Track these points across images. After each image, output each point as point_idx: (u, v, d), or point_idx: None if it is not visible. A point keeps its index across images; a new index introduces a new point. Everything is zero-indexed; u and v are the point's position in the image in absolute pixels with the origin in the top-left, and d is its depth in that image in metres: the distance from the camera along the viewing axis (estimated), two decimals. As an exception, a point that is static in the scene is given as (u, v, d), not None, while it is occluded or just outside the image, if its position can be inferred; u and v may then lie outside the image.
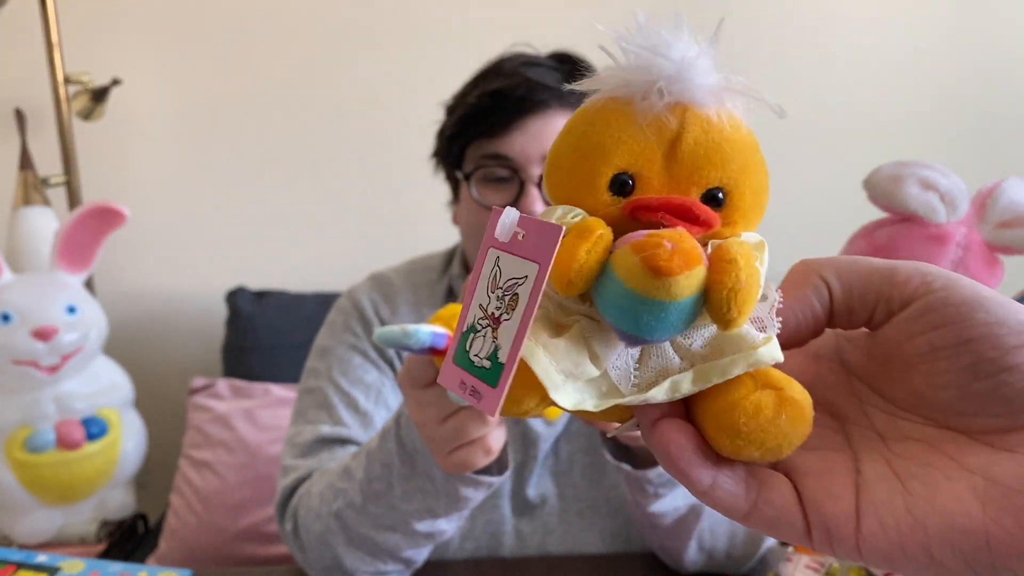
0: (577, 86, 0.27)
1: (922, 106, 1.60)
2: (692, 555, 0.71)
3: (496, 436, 0.54)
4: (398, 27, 1.52)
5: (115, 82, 1.41)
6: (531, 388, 0.23)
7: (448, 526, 0.64)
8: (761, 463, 0.23)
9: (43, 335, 1.14)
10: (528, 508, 0.79)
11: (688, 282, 0.21)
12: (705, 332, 0.24)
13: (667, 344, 0.24)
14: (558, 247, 0.22)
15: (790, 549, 0.67)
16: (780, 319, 0.23)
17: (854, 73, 1.58)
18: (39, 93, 1.44)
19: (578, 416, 0.26)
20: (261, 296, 1.46)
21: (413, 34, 1.52)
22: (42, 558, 0.72)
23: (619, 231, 0.23)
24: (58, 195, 1.45)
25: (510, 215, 0.24)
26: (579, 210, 0.25)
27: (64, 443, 1.18)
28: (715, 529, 0.69)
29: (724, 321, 0.22)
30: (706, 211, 0.24)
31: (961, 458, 0.21)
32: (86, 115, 1.44)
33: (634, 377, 0.23)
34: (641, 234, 0.22)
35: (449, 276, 0.86)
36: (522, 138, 0.74)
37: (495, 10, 1.52)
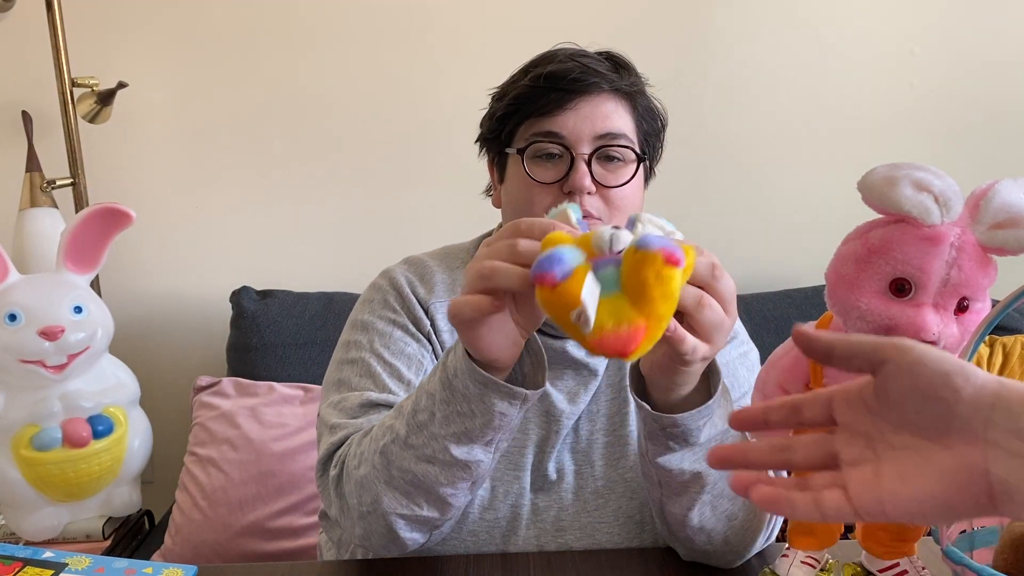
0: None
1: (916, 108, 1.60)
2: (693, 528, 0.71)
3: (497, 333, 0.58)
4: (402, 33, 1.53)
5: (121, 85, 1.43)
6: None
7: (484, 456, 0.65)
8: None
9: (50, 334, 1.15)
10: (546, 483, 0.80)
11: None
12: None
13: None
14: None
15: (786, 546, 0.68)
16: None
17: (849, 76, 1.58)
18: (46, 96, 1.46)
19: None
20: (265, 296, 1.47)
21: (417, 41, 1.53)
22: (48, 554, 0.72)
23: None
24: (65, 196, 1.47)
25: None
26: None
27: (71, 441, 1.20)
28: (716, 505, 0.70)
29: None
30: None
31: (928, 456, 0.37)
32: (92, 118, 1.46)
33: None
34: None
35: None
36: (574, 117, 0.78)
37: (497, 18, 1.52)
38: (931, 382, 0.36)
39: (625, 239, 0.45)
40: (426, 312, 0.84)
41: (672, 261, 0.42)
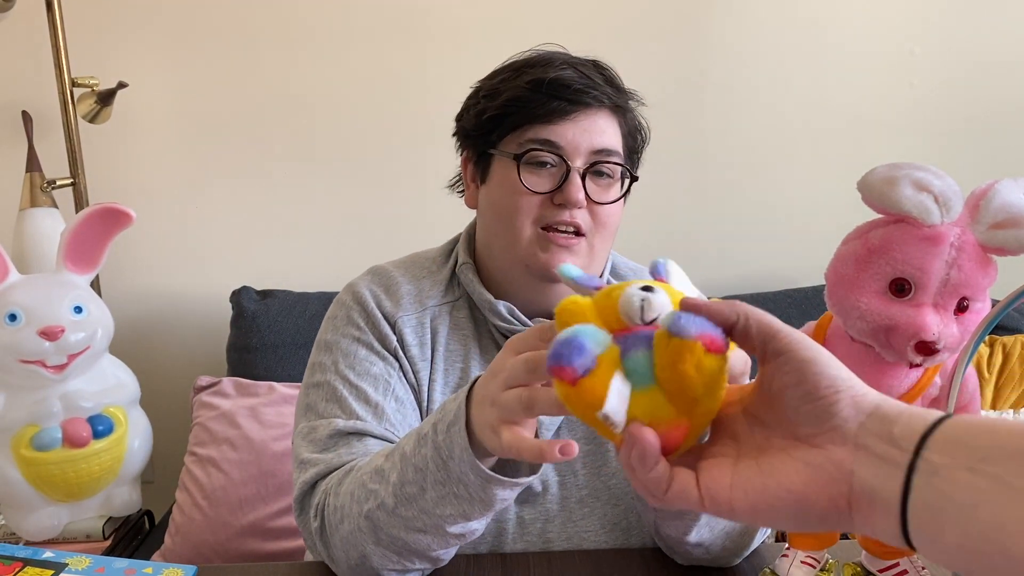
0: None
1: (916, 108, 1.60)
2: (691, 544, 0.71)
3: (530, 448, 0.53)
4: (403, 33, 1.53)
5: (121, 85, 1.43)
6: None
7: (479, 525, 0.65)
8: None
9: (50, 334, 1.15)
10: (530, 496, 0.80)
11: None
12: None
13: None
14: None
15: (786, 546, 0.68)
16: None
17: (849, 76, 1.58)
18: (46, 96, 1.46)
19: None
20: (265, 296, 1.47)
21: (418, 41, 1.53)
22: (48, 554, 0.73)
23: None
24: (65, 196, 1.47)
25: None
26: None
27: (71, 441, 1.20)
28: (713, 524, 0.70)
29: None
30: None
31: (793, 452, 0.36)
32: (92, 118, 1.46)
33: None
34: None
35: (452, 263, 0.87)
36: (574, 129, 0.77)
37: (499, 18, 1.52)
38: (817, 382, 0.35)
39: (659, 305, 0.38)
40: (393, 328, 0.81)
41: (714, 348, 0.35)
